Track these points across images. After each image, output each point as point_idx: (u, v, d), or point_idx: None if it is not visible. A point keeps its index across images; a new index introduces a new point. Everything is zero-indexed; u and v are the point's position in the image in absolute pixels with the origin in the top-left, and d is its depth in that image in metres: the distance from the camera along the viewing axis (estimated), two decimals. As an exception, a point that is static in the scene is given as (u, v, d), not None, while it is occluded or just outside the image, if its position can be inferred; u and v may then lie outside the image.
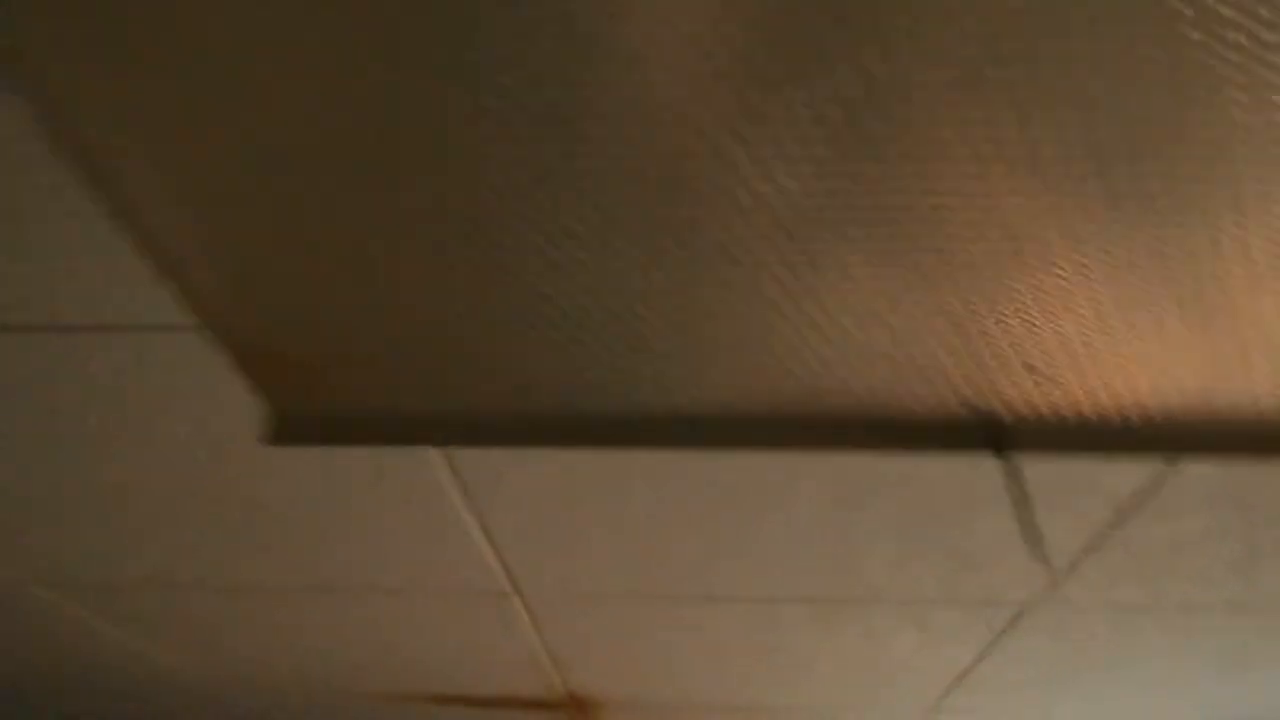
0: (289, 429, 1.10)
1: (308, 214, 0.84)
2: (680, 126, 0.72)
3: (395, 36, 0.68)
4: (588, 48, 0.66)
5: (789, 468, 1.66)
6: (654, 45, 0.66)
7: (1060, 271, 0.86)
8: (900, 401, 1.03)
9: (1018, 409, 1.02)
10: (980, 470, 1.65)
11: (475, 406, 1.11)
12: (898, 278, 0.88)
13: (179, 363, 1.21)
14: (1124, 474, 1.66)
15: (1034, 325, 0.92)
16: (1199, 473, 1.64)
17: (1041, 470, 1.66)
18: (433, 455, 1.61)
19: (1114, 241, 0.83)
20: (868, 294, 0.89)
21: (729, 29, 0.63)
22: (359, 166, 0.80)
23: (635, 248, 0.84)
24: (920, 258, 0.83)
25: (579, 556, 2.04)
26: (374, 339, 0.98)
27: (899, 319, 0.93)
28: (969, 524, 1.83)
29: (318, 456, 1.69)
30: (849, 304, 0.92)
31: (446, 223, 0.87)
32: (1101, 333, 0.92)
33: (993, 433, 1.03)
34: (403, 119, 0.74)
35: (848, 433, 1.05)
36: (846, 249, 0.82)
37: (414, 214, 0.85)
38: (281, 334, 0.95)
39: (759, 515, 1.84)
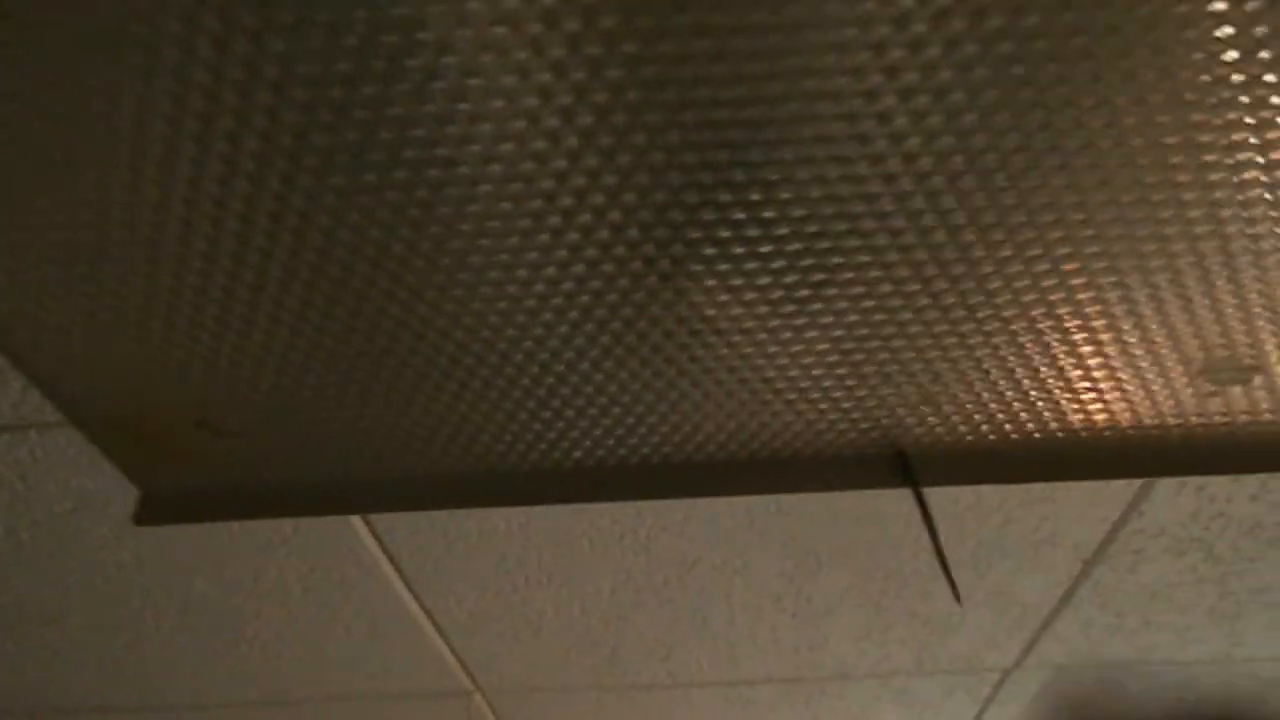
0: (157, 507, 1.03)
1: (151, 285, 0.79)
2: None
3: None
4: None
5: (738, 541, 1.61)
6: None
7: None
8: (816, 440, 0.98)
9: (922, 441, 0.97)
10: (922, 535, 1.59)
11: (384, 472, 1.05)
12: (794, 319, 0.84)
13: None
14: (1086, 523, 1.61)
15: (928, 357, 0.87)
16: (1159, 517, 1.58)
17: (1007, 530, 1.60)
18: (359, 531, 1.55)
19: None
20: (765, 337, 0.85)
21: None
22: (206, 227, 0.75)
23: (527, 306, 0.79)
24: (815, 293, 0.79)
25: (536, 645, 1.95)
26: (252, 409, 0.93)
27: (802, 360, 0.89)
28: (924, 588, 1.76)
29: (242, 558, 1.63)
30: (752, 349, 0.88)
31: (314, 288, 0.83)
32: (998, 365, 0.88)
33: (902, 465, 0.98)
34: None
35: (769, 474, 1.00)
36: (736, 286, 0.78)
37: (279, 277, 0.80)
38: (137, 407, 0.89)
39: (714, 591, 1.76)
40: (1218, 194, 0.74)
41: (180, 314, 0.82)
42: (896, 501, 1.52)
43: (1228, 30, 0.62)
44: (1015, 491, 1.51)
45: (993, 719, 2.36)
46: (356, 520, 1.55)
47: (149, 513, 1.04)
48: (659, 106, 0.65)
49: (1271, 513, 1.59)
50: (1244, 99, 0.68)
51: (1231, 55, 0.65)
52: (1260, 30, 0.61)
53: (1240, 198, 0.75)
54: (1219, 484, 1.51)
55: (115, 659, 1.96)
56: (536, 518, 1.56)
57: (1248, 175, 0.73)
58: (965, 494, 1.51)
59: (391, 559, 1.69)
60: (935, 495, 1.51)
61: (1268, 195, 0.74)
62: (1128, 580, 1.77)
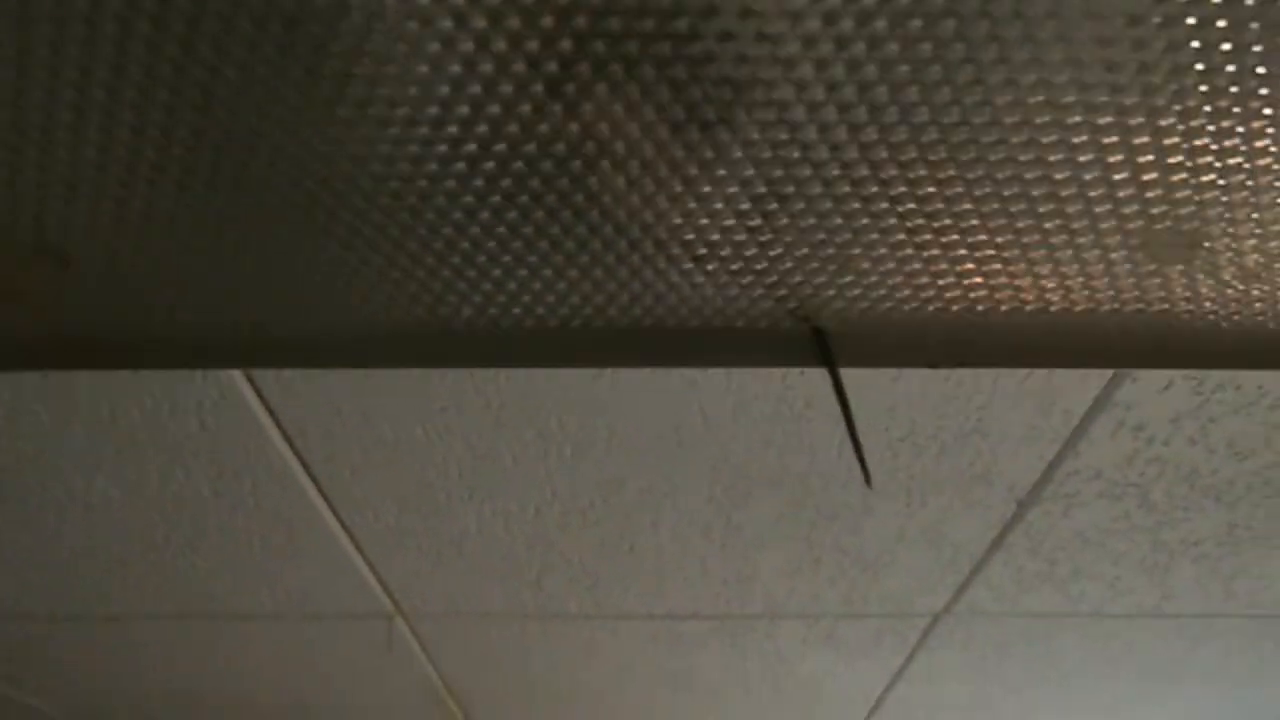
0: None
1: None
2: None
3: None
4: None
5: (665, 462, 1.53)
6: None
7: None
8: (728, 308, 0.89)
9: (841, 315, 0.89)
10: (854, 469, 1.53)
11: (268, 327, 0.94)
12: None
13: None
14: (1021, 461, 1.55)
15: (849, 234, 0.79)
16: (1095, 459, 1.52)
17: (941, 463, 1.54)
18: (270, 432, 1.46)
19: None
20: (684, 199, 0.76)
21: None
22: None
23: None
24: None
25: (458, 566, 1.87)
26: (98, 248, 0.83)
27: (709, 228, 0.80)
28: (856, 523, 1.69)
29: (146, 456, 1.53)
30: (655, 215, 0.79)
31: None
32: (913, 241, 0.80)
33: (818, 341, 0.90)
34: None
35: (676, 346, 0.91)
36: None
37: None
38: None
39: (641, 516, 1.69)
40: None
41: (17, 122, 0.71)
42: (829, 428, 1.45)
43: None
44: (950, 422, 1.45)
45: (921, 665, 2.32)
46: (267, 421, 1.46)
47: (-9, 354, 0.94)
48: None
49: (1209, 460, 1.53)
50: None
51: None
52: None
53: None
54: (1157, 425, 1.45)
55: (18, 563, 1.85)
56: (456, 427, 1.47)
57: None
58: (899, 423, 1.44)
59: (305, 465, 1.60)
60: (868, 422, 1.44)
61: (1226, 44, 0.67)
62: (1061, 525, 1.72)
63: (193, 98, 0.71)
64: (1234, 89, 0.70)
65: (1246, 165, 0.74)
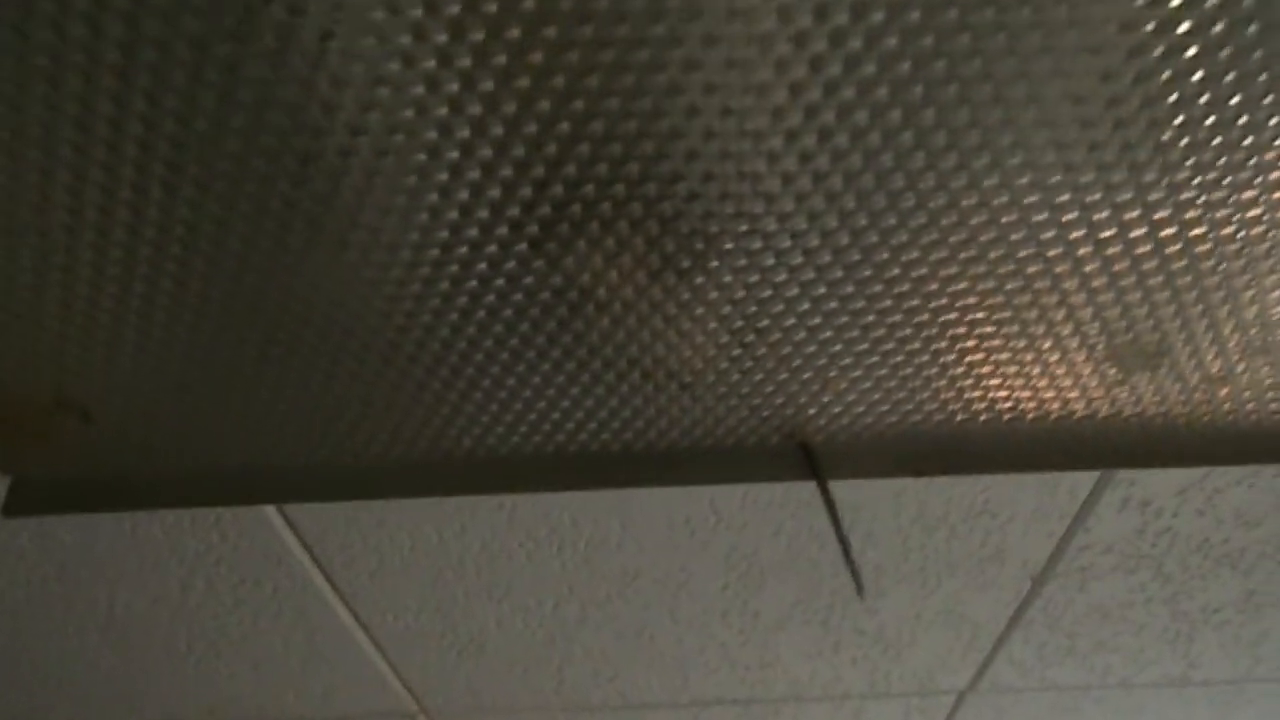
0: (30, 496, 0.97)
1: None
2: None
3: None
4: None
5: (678, 553, 1.56)
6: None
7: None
8: (717, 429, 0.93)
9: (825, 431, 0.92)
10: (866, 553, 1.54)
11: (283, 461, 0.99)
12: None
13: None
14: (1031, 539, 1.56)
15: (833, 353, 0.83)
16: (1105, 534, 1.54)
17: (952, 545, 1.55)
18: (288, 541, 1.50)
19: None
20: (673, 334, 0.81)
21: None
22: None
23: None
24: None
25: (480, 663, 1.89)
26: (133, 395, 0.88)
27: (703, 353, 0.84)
28: (871, 605, 1.71)
29: (166, 568, 1.57)
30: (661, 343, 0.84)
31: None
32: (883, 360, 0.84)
33: (805, 456, 0.93)
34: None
35: (670, 467, 0.95)
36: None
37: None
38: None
39: (658, 606, 1.71)
40: (1116, 178, 0.70)
41: (32, 276, 0.77)
42: (837, 513, 1.47)
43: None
44: (957, 505, 1.47)
45: (950, 744, 2.29)
46: (284, 530, 1.50)
47: (19, 502, 0.98)
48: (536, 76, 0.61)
49: (1218, 529, 1.54)
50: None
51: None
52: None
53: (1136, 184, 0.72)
54: (1163, 499, 1.46)
55: (42, 678, 1.89)
56: (470, 529, 1.50)
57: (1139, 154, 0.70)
58: (906, 506, 1.46)
59: (323, 570, 1.63)
60: (877, 509, 1.46)
61: (1164, 184, 0.71)
62: (1078, 599, 1.72)
63: (205, 252, 0.77)
64: (1174, 225, 0.74)
65: (1197, 282, 0.78)
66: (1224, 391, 0.87)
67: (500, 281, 0.75)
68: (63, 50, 0.61)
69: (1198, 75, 0.66)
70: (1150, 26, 0.63)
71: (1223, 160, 0.69)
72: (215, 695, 2.02)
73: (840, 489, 1.40)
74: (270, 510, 1.43)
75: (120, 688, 1.96)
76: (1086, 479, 1.39)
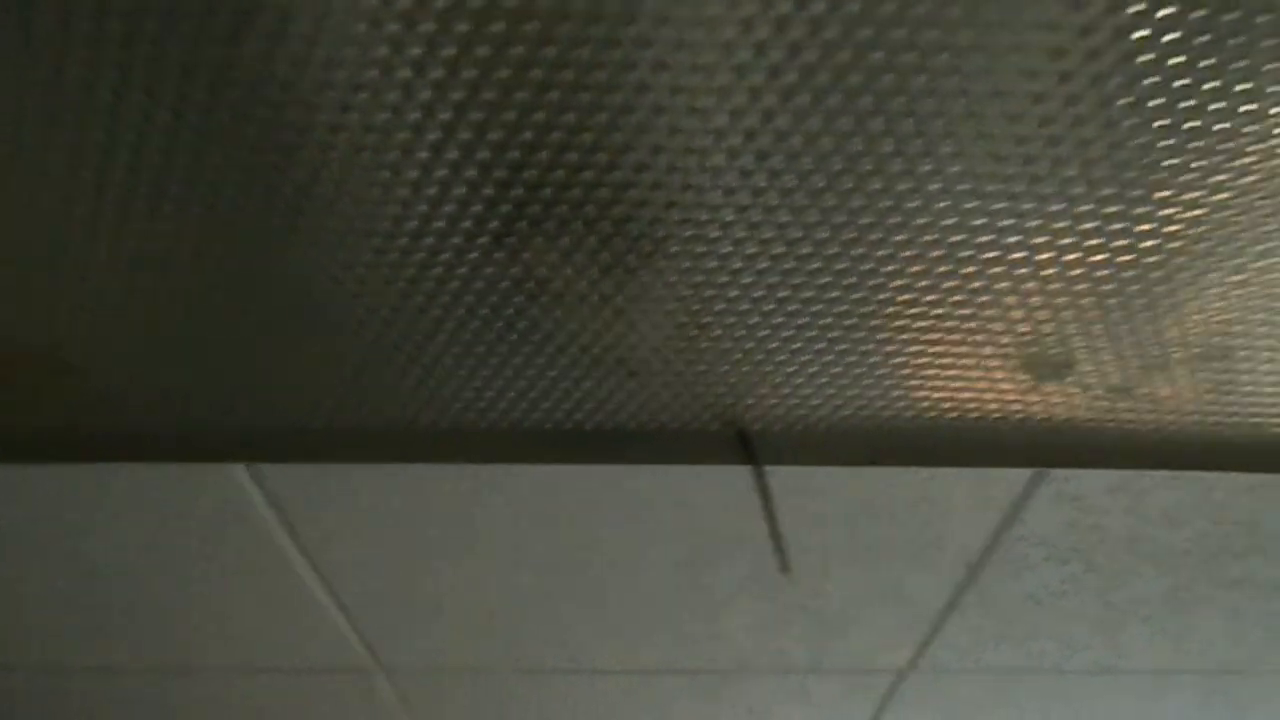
0: (13, 445, 1.03)
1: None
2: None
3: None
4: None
5: (633, 528, 1.63)
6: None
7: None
8: (661, 413, 1.01)
9: (763, 419, 1.00)
10: (814, 533, 1.62)
11: (255, 421, 1.06)
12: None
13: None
14: (969, 528, 1.65)
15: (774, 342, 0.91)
16: (1039, 526, 1.63)
17: (894, 531, 1.63)
18: (254, 498, 1.56)
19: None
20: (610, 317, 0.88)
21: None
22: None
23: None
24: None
25: (437, 624, 1.96)
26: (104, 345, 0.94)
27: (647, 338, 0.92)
28: (816, 585, 1.79)
29: (135, 518, 1.62)
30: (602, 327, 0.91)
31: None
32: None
33: (742, 443, 1.01)
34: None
35: (615, 445, 1.03)
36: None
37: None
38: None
39: (611, 578, 1.78)
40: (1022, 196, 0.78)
41: (26, 233, 0.82)
42: (787, 499, 1.55)
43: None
44: (900, 494, 1.55)
45: (891, 719, 2.40)
46: (251, 486, 1.56)
47: (6, 451, 1.04)
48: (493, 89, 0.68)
49: (1145, 527, 1.64)
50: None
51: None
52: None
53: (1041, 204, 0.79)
54: (1094, 496, 1.55)
55: (8, 618, 1.94)
56: (433, 495, 1.57)
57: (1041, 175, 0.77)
58: (854, 494, 1.54)
59: (288, 528, 1.69)
60: (823, 494, 1.54)
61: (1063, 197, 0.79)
62: (1012, 587, 1.82)
63: (197, 220, 0.83)
64: (1077, 250, 0.82)
65: (1098, 296, 0.86)
66: (1126, 403, 0.95)
67: (463, 270, 0.82)
68: (68, 40, 0.67)
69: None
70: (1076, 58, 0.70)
71: (1125, 192, 0.77)
72: (176, 644, 2.09)
73: (789, 475, 1.48)
74: (238, 468, 1.49)
75: (83, 633, 2.03)
76: (1022, 474, 1.47)
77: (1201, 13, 0.65)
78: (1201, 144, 0.75)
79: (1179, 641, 1.99)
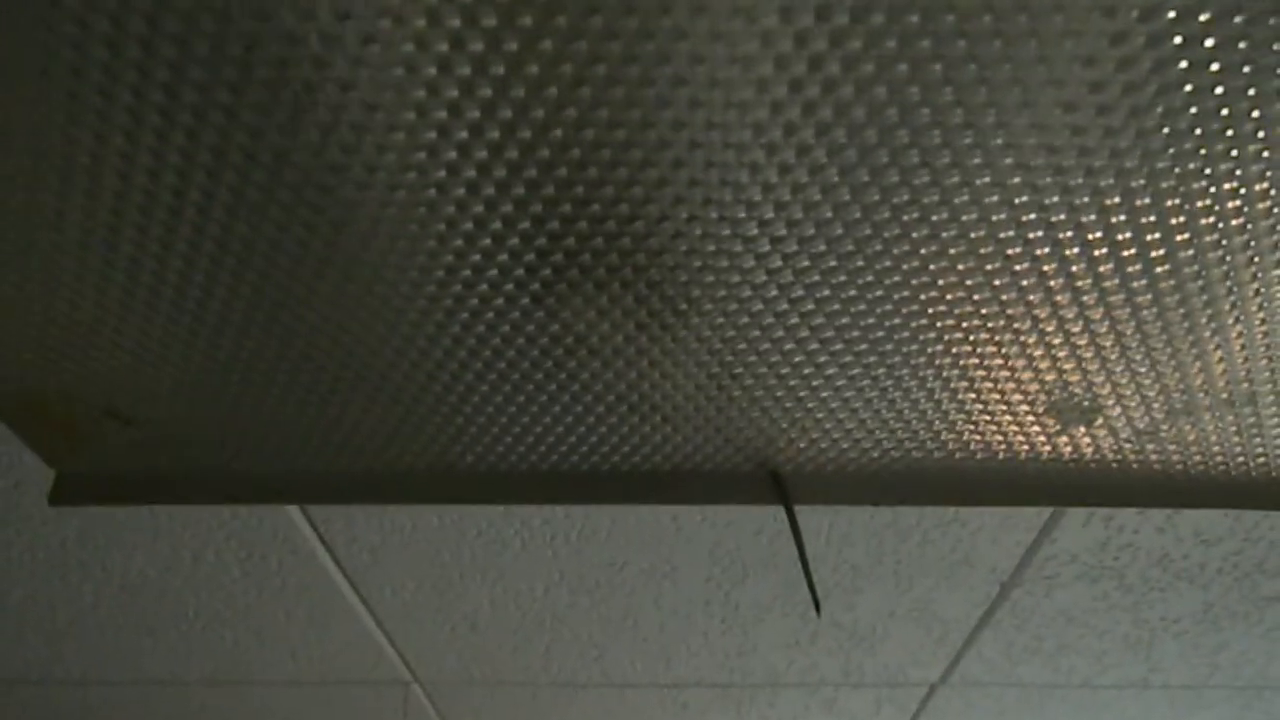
0: (73, 488, 1.08)
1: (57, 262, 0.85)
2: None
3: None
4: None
5: (665, 547, 1.66)
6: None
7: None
8: (695, 455, 1.04)
9: (794, 461, 1.03)
10: (843, 551, 1.65)
11: (304, 466, 1.10)
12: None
13: None
14: (1000, 547, 1.67)
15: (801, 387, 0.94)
16: (1071, 545, 1.64)
17: (925, 550, 1.66)
18: (296, 520, 1.61)
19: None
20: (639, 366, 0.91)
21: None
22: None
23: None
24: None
25: (472, 639, 2.01)
26: (162, 399, 0.98)
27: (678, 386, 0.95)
28: (847, 600, 1.82)
29: (181, 540, 1.68)
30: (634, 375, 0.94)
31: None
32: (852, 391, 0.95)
33: (775, 483, 1.04)
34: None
35: (652, 487, 1.06)
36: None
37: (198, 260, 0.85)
38: (42, 394, 0.95)
39: (644, 595, 1.82)
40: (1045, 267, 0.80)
41: (82, 306, 0.87)
42: (814, 518, 1.58)
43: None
44: (930, 514, 1.57)
45: (920, 733, 2.42)
46: (293, 510, 1.60)
47: (65, 494, 1.10)
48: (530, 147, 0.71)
49: (1178, 546, 1.65)
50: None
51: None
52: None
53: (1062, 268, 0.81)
54: (1126, 515, 1.57)
55: (56, 632, 2.01)
56: (469, 516, 1.61)
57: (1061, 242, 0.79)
58: (883, 513, 1.57)
59: (328, 548, 1.74)
60: (855, 512, 1.56)
61: (1082, 261, 0.81)
62: (1044, 604, 1.84)
63: (251, 284, 0.87)
64: (1100, 307, 0.84)
65: (1122, 347, 0.88)
66: (1153, 446, 0.97)
67: (505, 328, 0.86)
68: (112, 96, 0.71)
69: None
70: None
71: (1134, 251, 0.79)
72: (218, 659, 2.15)
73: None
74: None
75: (127, 646, 2.09)
76: (1052, 496, 1.50)
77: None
78: (1248, 145, 0.73)
79: (1212, 657, 2.00)
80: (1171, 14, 0.63)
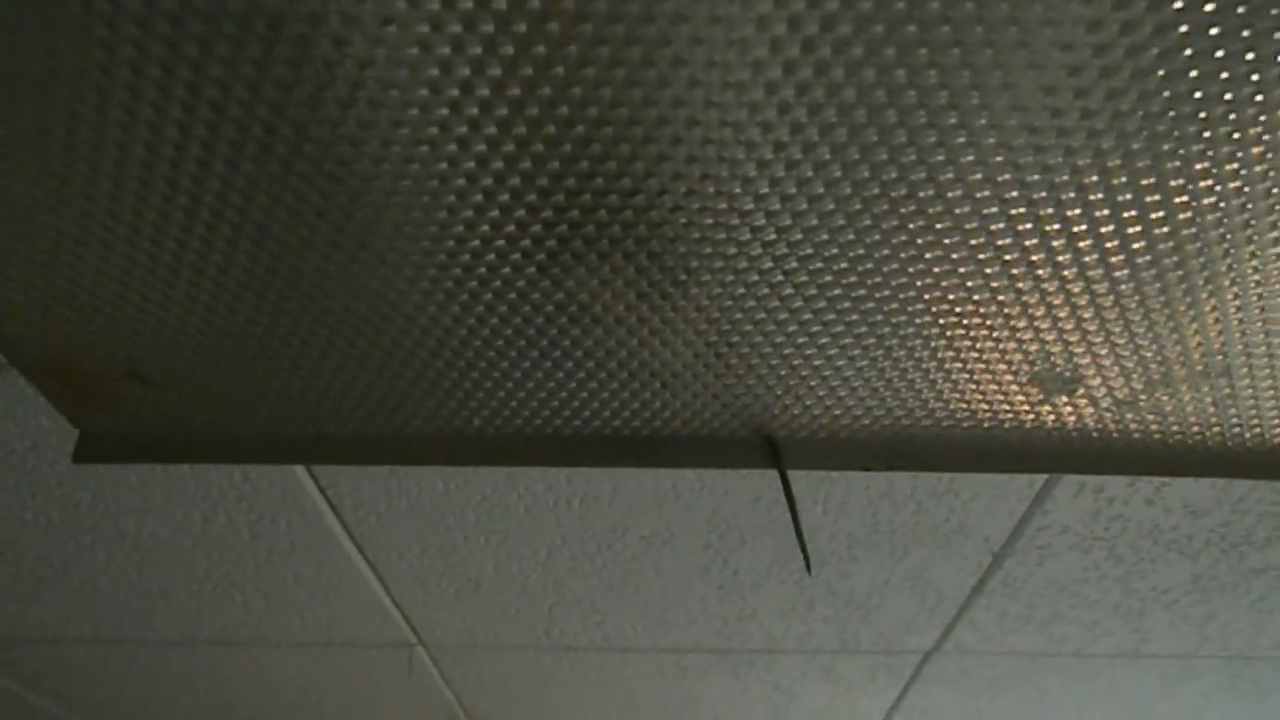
0: (95, 447, 1.14)
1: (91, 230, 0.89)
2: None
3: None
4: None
5: (664, 513, 1.71)
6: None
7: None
8: (693, 421, 1.09)
9: (788, 427, 1.08)
10: (839, 520, 1.70)
11: (317, 427, 1.15)
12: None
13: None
14: (993, 517, 1.72)
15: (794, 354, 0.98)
16: (1062, 516, 1.69)
17: (919, 519, 1.71)
18: (305, 483, 1.65)
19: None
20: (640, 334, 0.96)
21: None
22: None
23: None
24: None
25: (476, 602, 2.06)
26: (181, 357, 1.03)
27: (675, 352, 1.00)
28: (843, 569, 1.87)
29: (192, 502, 1.73)
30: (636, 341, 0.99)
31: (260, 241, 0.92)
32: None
33: (769, 449, 1.09)
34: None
35: (650, 450, 1.11)
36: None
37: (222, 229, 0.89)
38: (67, 355, 1.00)
39: (644, 560, 1.88)
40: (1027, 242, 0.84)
41: (108, 270, 0.92)
42: (811, 488, 1.62)
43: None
44: (924, 484, 1.62)
45: (915, 699, 2.48)
46: (301, 473, 1.66)
47: (87, 452, 1.15)
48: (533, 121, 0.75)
49: (1167, 517, 1.70)
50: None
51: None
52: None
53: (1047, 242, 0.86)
54: (1116, 487, 1.62)
55: (69, 592, 2.07)
56: (474, 481, 1.66)
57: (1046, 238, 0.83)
58: (878, 483, 1.62)
59: (336, 511, 1.79)
60: (851, 481, 1.61)
61: (1063, 237, 0.85)
62: (1036, 573, 1.89)
63: (264, 257, 0.92)
64: (1073, 273, 0.88)
65: (1101, 320, 0.92)
66: (1132, 415, 1.02)
67: (512, 296, 0.90)
68: (142, 70, 0.75)
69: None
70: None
71: (1116, 226, 0.83)
72: (226, 618, 2.21)
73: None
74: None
75: (139, 606, 2.15)
76: (1043, 467, 1.54)
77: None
78: (1220, 127, 0.78)
79: (1202, 627, 2.06)
80: (1144, 3, 0.68)
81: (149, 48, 0.70)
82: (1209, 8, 0.68)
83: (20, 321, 0.94)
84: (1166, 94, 0.75)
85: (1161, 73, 0.74)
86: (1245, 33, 0.69)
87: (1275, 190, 0.82)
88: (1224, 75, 0.73)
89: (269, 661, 2.44)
